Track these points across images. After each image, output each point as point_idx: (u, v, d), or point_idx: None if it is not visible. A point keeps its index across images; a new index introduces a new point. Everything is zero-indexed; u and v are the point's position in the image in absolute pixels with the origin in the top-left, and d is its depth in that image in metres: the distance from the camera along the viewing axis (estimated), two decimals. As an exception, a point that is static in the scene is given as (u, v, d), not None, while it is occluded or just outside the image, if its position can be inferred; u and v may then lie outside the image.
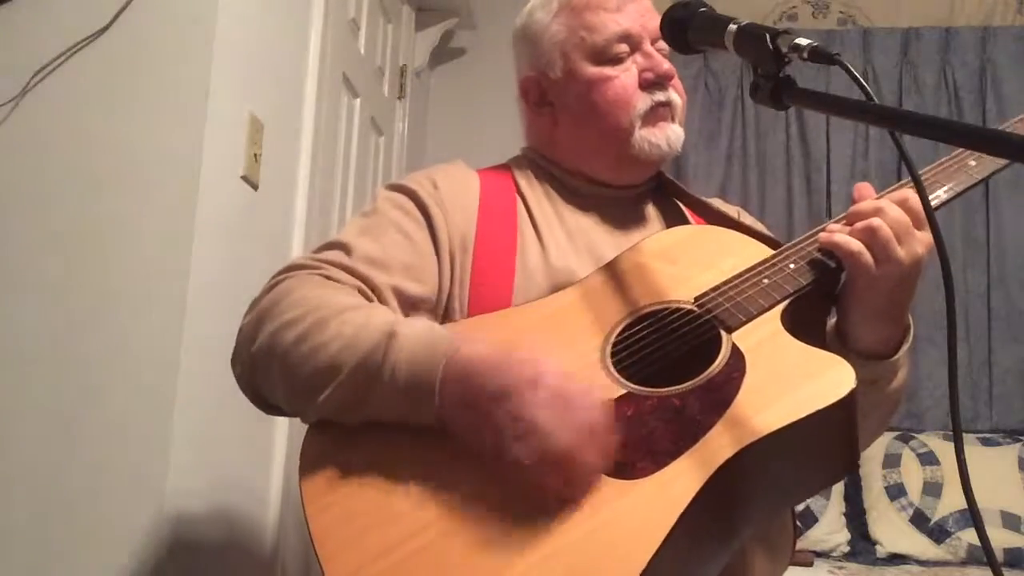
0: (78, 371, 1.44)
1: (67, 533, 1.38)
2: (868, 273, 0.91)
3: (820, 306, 1.00)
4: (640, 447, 0.81)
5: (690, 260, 1.00)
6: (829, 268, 0.94)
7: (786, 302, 0.92)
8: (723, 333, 0.90)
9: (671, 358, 0.92)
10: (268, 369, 0.92)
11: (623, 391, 0.86)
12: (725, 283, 0.95)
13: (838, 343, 0.98)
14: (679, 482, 0.77)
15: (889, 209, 0.92)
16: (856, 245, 0.91)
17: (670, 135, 1.12)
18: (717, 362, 0.87)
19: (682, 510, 0.75)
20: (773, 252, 0.99)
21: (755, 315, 0.90)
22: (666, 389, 0.86)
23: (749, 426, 0.79)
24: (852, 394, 0.80)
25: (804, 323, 0.93)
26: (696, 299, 0.94)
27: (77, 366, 1.44)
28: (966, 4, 3.21)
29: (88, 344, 1.45)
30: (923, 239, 0.92)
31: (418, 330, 0.87)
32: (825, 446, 0.85)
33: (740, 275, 0.95)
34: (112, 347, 1.44)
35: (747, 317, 0.90)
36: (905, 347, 0.98)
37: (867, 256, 0.91)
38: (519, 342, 0.90)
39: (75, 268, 1.48)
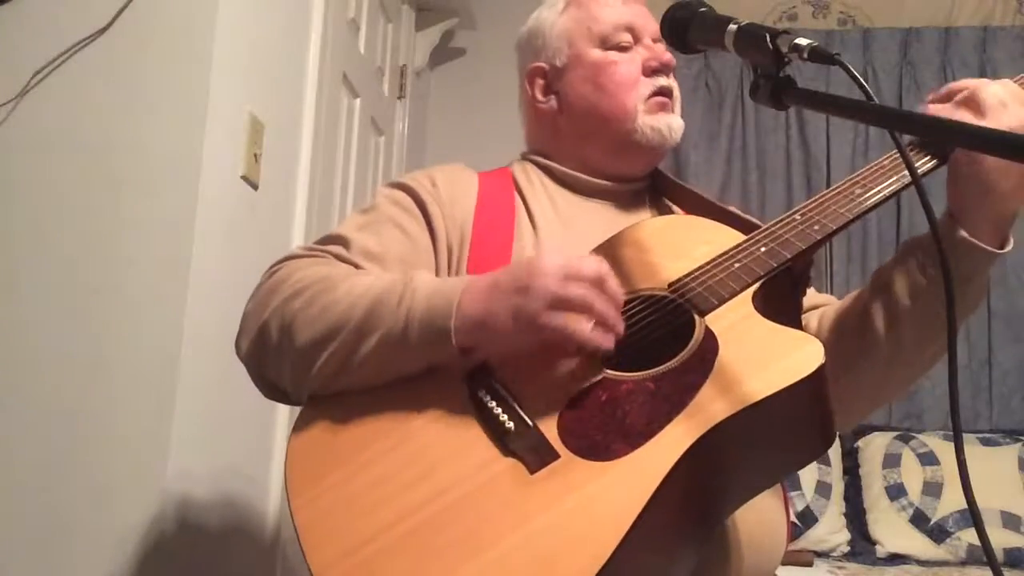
0: (78, 369, 1.44)
1: (68, 528, 1.39)
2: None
3: (793, 287, 1.01)
4: (615, 430, 0.82)
5: (665, 248, 1.02)
6: (800, 249, 0.95)
7: (757, 284, 0.93)
8: (696, 317, 0.91)
9: (646, 344, 0.93)
10: (279, 339, 0.94)
11: (598, 377, 0.88)
12: (698, 269, 0.96)
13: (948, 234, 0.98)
14: (652, 462, 0.78)
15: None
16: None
17: (671, 123, 1.16)
18: (690, 345, 0.88)
19: (654, 489, 0.76)
20: (746, 237, 0.99)
21: (727, 298, 0.92)
22: (640, 373, 0.87)
23: (721, 404, 0.80)
24: (821, 369, 0.81)
25: (777, 304, 0.94)
26: (670, 285, 0.96)
27: (78, 364, 1.44)
28: (966, 4, 3.21)
29: (89, 342, 1.45)
30: None
31: (432, 276, 0.94)
32: (797, 422, 0.86)
33: (713, 260, 0.97)
34: (113, 345, 1.44)
35: (719, 300, 0.91)
36: (1006, 249, 0.98)
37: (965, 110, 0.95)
38: None
39: (75, 267, 1.48)
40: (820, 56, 0.79)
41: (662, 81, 1.17)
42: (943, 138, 0.69)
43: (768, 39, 0.81)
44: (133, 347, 1.44)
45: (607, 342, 0.85)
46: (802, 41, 0.80)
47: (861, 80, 0.76)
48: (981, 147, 0.80)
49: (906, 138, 0.96)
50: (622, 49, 1.18)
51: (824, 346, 0.82)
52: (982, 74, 3.05)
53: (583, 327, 0.84)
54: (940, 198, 0.98)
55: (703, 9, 0.92)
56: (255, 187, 1.71)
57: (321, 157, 2.06)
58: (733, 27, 0.86)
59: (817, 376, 0.81)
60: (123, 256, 1.47)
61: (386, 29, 2.72)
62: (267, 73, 1.78)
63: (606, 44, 1.18)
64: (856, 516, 2.66)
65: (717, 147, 3.16)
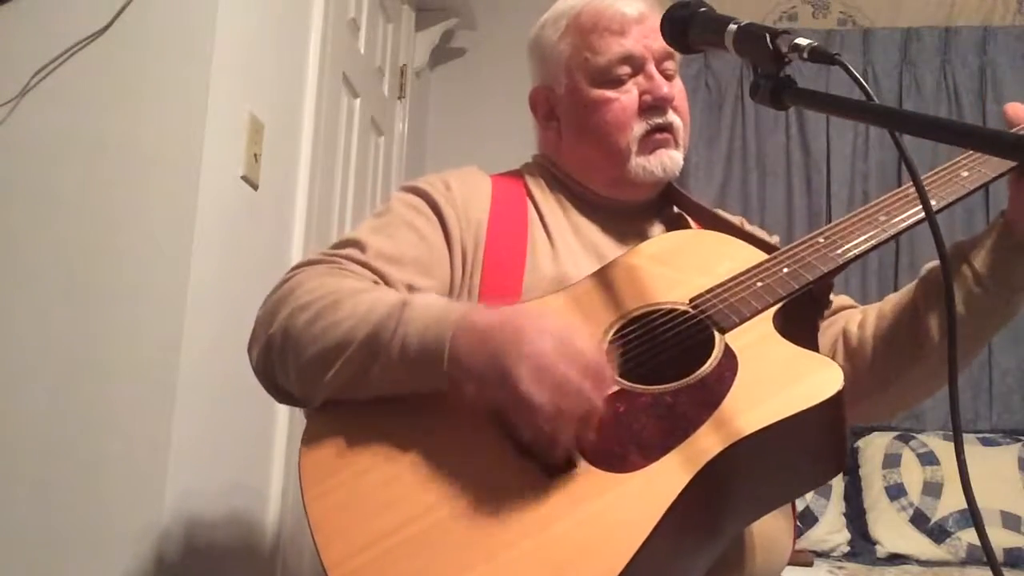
0: (78, 370, 1.44)
1: (67, 533, 1.39)
2: None
3: (812, 309, 1.02)
4: (631, 442, 0.83)
5: (686, 263, 1.02)
6: (822, 272, 0.96)
7: (778, 305, 0.93)
8: (716, 334, 0.91)
9: (665, 357, 0.93)
10: (283, 351, 0.94)
11: (617, 388, 0.87)
12: (720, 285, 0.96)
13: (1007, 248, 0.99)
14: (668, 477, 0.79)
15: None
16: None
17: (666, 161, 1.13)
18: (709, 362, 0.88)
19: (669, 504, 0.76)
20: (768, 256, 1.00)
21: (748, 317, 0.92)
22: (659, 387, 0.87)
23: (738, 424, 0.81)
24: (839, 394, 0.81)
25: (796, 325, 0.94)
26: (691, 301, 0.96)
27: (77, 365, 1.44)
28: (966, 4, 3.21)
29: (88, 343, 1.45)
30: None
31: (430, 300, 0.91)
32: (812, 446, 0.86)
33: (735, 278, 0.97)
34: (112, 346, 1.44)
35: (740, 319, 0.92)
36: None
37: None
38: None
39: (75, 268, 1.48)
40: (820, 56, 0.79)
41: (658, 119, 1.13)
42: (943, 139, 0.69)
43: (768, 39, 0.81)
44: (133, 347, 1.44)
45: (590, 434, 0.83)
46: (802, 41, 0.80)
47: (861, 80, 0.76)
48: (981, 148, 0.80)
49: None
50: (620, 82, 1.13)
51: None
52: (982, 74, 3.05)
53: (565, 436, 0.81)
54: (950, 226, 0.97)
55: (703, 9, 0.92)
56: (255, 187, 1.71)
57: (321, 157, 2.06)
58: (733, 27, 0.85)
59: (835, 400, 0.81)
60: (123, 256, 1.47)
61: (386, 29, 2.72)
62: (267, 73, 1.78)
63: (601, 80, 1.14)
64: (856, 516, 2.65)
65: (717, 147, 3.15)
